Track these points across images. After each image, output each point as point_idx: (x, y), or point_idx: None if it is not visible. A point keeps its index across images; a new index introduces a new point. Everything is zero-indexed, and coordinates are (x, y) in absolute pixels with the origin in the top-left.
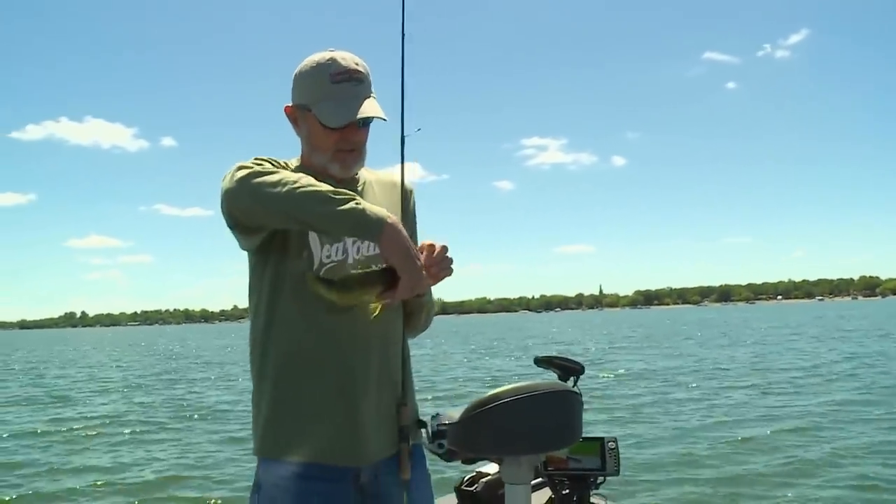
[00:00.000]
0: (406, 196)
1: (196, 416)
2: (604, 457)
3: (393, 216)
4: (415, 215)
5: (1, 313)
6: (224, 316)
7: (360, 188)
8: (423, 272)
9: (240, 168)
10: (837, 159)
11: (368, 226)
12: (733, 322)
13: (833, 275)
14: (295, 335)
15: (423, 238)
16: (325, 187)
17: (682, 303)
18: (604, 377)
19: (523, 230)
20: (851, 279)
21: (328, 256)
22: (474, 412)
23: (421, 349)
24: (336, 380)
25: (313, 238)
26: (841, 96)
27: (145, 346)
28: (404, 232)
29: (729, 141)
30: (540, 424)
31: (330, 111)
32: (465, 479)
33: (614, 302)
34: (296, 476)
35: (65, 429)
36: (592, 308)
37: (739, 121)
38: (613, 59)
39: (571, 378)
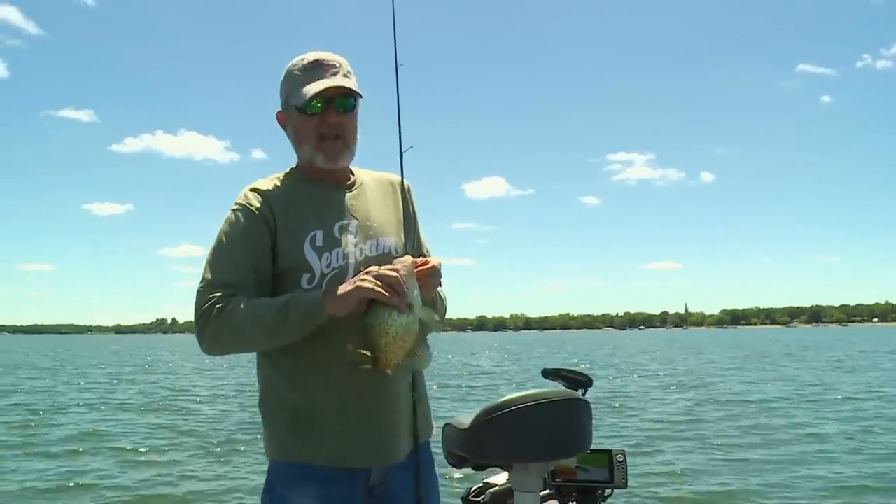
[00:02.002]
0: (405, 196)
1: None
2: (612, 469)
3: (326, 289)
4: (415, 212)
5: (98, 318)
6: None
7: (356, 189)
8: (394, 284)
9: (197, 324)
10: None
11: (312, 313)
12: (838, 345)
13: None
14: (305, 348)
15: (479, 245)
16: (265, 311)
17: (770, 323)
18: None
19: (608, 246)
20: None
21: (328, 265)
22: (484, 419)
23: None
24: (348, 384)
25: (309, 252)
26: None
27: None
28: (344, 288)
29: (821, 156)
30: (549, 432)
31: (302, 91)
32: (473, 489)
33: (700, 321)
34: (307, 478)
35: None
36: (677, 326)
37: (833, 135)
38: (702, 71)
39: (580, 390)
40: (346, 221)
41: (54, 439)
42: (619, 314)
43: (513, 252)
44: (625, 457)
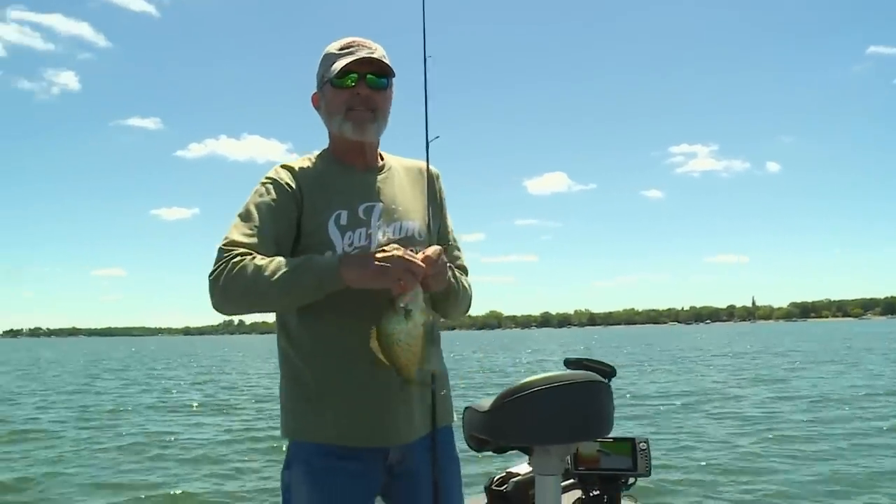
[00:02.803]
0: (432, 183)
1: None
2: (635, 457)
3: (344, 255)
4: (443, 200)
5: (168, 320)
6: None
7: (384, 173)
8: (413, 268)
9: (212, 276)
10: None
11: (325, 277)
12: None
13: None
14: (322, 320)
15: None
16: (278, 267)
17: (843, 315)
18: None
19: (672, 240)
20: None
21: (350, 244)
22: (505, 401)
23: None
24: (364, 363)
25: (333, 230)
26: None
27: None
28: (360, 258)
29: (894, 142)
30: (569, 413)
31: (335, 66)
32: (496, 478)
33: (768, 314)
34: (324, 455)
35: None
36: (745, 320)
37: None
38: (766, 58)
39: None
40: (371, 203)
41: (129, 436)
42: (685, 308)
43: (576, 247)
44: (648, 445)
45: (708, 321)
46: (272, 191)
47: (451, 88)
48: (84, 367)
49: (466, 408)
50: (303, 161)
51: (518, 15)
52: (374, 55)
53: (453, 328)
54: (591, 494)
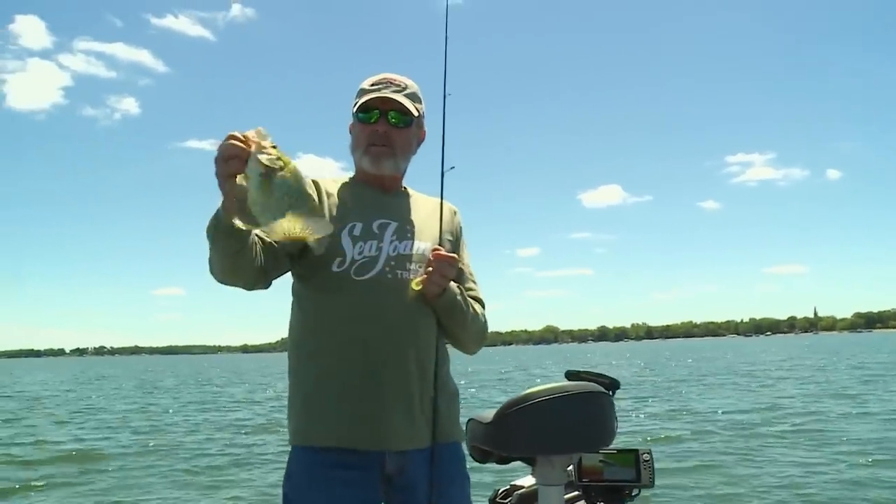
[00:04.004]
0: (451, 217)
1: None
2: (638, 468)
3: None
4: (461, 235)
5: (227, 338)
6: None
7: (404, 199)
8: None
9: None
10: None
11: (217, 213)
12: None
13: None
14: (325, 326)
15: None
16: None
17: None
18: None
19: (730, 251)
20: None
21: (360, 253)
22: (507, 412)
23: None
24: (364, 368)
25: (346, 239)
26: None
27: None
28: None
29: None
30: (571, 424)
31: (360, 101)
32: (500, 491)
33: (830, 325)
34: (321, 464)
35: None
36: (806, 332)
37: None
38: (824, 61)
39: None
40: (386, 220)
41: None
42: (744, 320)
43: (632, 260)
44: (651, 456)
45: (768, 333)
46: None
47: (507, 102)
48: (196, 385)
49: (469, 419)
50: (329, 179)
51: (571, 24)
52: (403, 93)
53: (510, 343)
54: None
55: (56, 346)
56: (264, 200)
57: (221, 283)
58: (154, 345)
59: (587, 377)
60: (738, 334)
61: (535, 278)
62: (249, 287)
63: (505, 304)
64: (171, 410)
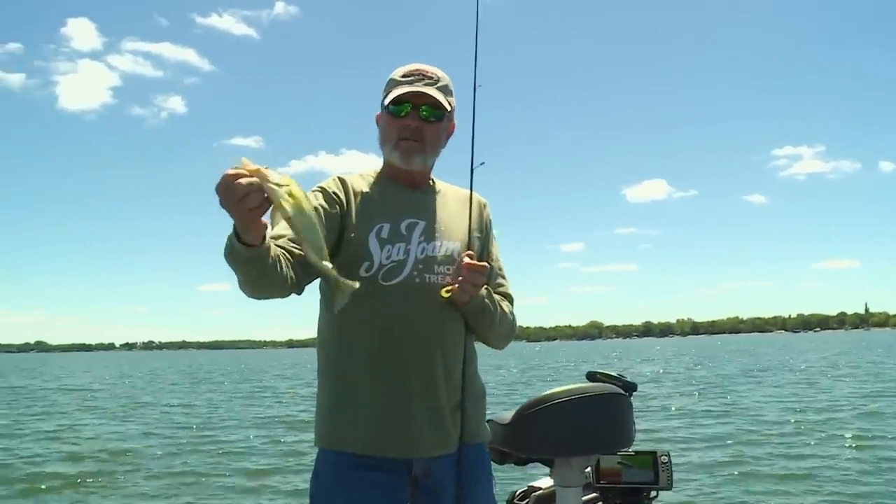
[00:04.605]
0: (479, 212)
1: None
2: (657, 471)
3: None
4: (490, 229)
5: (273, 333)
6: None
7: (433, 195)
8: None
9: None
10: None
11: (231, 235)
12: None
13: None
14: (353, 331)
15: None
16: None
17: None
18: None
19: (777, 245)
20: None
21: (388, 257)
22: (526, 413)
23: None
24: (391, 375)
25: (373, 242)
26: None
27: None
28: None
29: None
30: (590, 425)
31: (392, 93)
32: (518, 492)
33: (883, 321)
34: (349, 465)
35: None
36: (857, 328)
37: None
38: (874, 48)
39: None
40: (414, 220)
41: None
42: (792, 316)
43: (677, 255)
44: (669, 458)
45: (817, 329)
46: (319, 198)
47: (548, 97)
48: (241, 380)
49: (487, 420)
50: (356, 175)
51: (612, 19)
52: (436, 86)
53: (554, 339)
54: None
55: (106, 341)
56: (306, 220)
57: (252, 298)
58: (201, 339)
59: (602, 378)
60: (786, 330)
61: (580, 274)
62: (283, 297)
63: (549, 300)
64: (216, 404)
